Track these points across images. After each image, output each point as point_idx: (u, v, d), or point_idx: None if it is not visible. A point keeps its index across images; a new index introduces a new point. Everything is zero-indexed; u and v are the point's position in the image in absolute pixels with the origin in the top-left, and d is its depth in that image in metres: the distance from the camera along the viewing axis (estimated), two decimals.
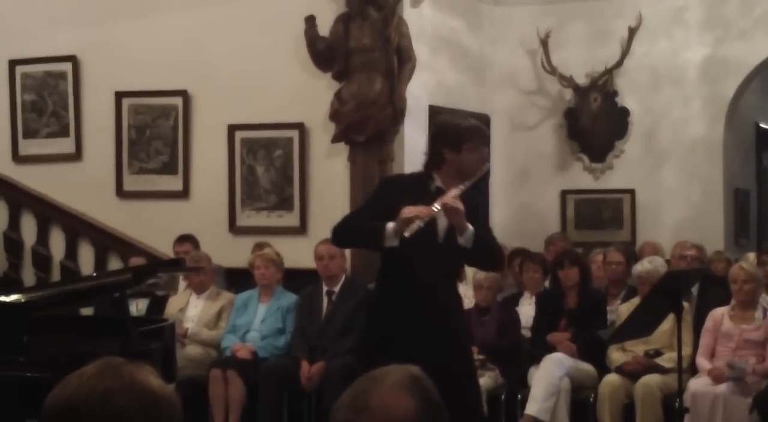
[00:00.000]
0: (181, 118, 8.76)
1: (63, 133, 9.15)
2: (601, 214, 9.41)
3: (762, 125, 10.93)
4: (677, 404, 6.27)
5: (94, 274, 8.39)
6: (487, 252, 4.78)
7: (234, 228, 8.58)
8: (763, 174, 11.04)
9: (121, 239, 8.79)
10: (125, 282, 5.63)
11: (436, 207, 4.46)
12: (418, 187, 4.71)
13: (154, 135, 8.86)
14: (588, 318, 7.10)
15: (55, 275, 9.01)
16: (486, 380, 6.84)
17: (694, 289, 7.42)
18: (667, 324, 6.44)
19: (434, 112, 8.71)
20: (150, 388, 1.78)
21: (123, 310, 5.55)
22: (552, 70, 9.19)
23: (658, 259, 7.36)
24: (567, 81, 9.21)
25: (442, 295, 4.72)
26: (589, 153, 9.43)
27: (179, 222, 8.47)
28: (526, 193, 9.43)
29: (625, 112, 9.34)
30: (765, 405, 6.15)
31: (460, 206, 4.49)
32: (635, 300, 6.92)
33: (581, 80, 9.24)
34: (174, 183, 8.80)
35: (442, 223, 4.60)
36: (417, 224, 4.38)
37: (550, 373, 6.80)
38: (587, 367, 6.98)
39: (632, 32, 9.06)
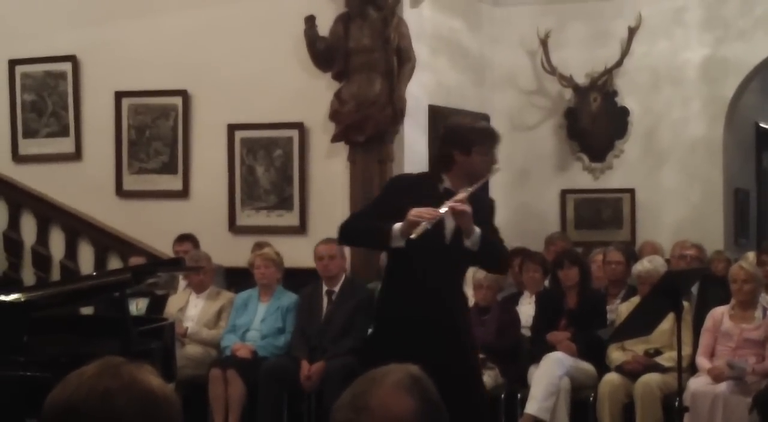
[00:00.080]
0: (180, 117, 8.76)
1: (63, 132, 9.15)
2: (601, 214, 9.41)
3: (762, 125, 10.93)
4: (677, 403, 6.27)
5: (94, 274, 8.38)
6: (493, 254, 4.78)
7: (234, 227, 8.58)
8: (762, 174, 11.04)
9: (121, 239, 8.79)
10: (125, 282, 5.64)
11: (444, 209, 4.45)
12: (427, 188, 4.70)
13: (153, 135, 8.86)
14: (588, 318, 7.10)
15: (55, 275, 9.01)
16: (486, 379, 6.81)
17: (694, 289, 7.43)
18: (667, 323, 6.45)
19: (434, 112, 8.71)
20: (150, 388, 1.78)
21: (123, 310, 5.56)
22: (552, 70, 9.19)
23: (658, 259, 7.36)
24: (567, 81, 9.21)
25: (448, 296, 4.72)
26: (588, 153, 9.42)
27: (179, 221, 8.47)
28: (525, 192, 9.42)
29: (624, 112, 9.34)
30: (765, 404, 6.15)
31: (468, 209, 4.47)
32: (635, 300, 6.92)
33: (581, 80, 9.24)
34: (174, 183, 8.80)
35: (450, 225, 4.59)
36: (424, 226, 4.37)
37: (550, 373, 6.81)
38: (587, 367, 6.99)
39: (632, 32, 9.05)
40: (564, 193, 9.49)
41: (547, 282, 7.66)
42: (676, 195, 9.17)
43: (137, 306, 7.77)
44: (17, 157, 9.27)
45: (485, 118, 8.95)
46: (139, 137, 8.90)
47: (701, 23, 9.12)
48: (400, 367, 1.93)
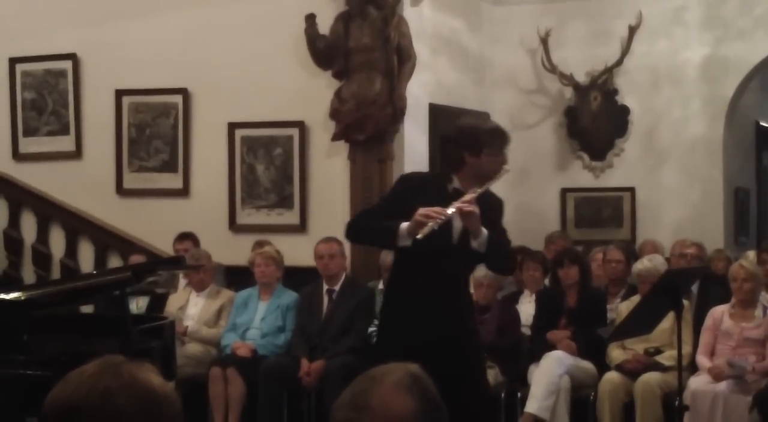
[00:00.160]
0: (181, 116, 8.76)
1: (63, 131, 9.15)
2: (601, 213, 9.41)
3: (762, 124, 10.93)
4: (677, 402, 6.28)
5: (94, 272, 8.39)
6: (500, 256, 4.78)
7: (234, 226, 8.58)
8: (762, 173, 11.04)
9: (121, 237, 8.79)
10: (125, 280, 5.64)
11: (452, 210, 4.44)
12: (436, 188, 4.69)
13: (154, 133, 8.86)
14: (588, 317, 7.10)
15: (55, 273, 9.01)
16: None
17: (694, 288, 7.43)
18: (667, 322, 6.45)
19: (434, 111, 8.71)
20: (150, 387, 1.78)
21: (123, 308, 5.56)
22: (552, 69, 9.19)
23: (658, 258, 7.36)
24: (567, 80, 9.21)
25: (454, 296, 4.72)
26: (589, 151, 9.42)
27: (179, 220, 8.47)
28: (526, 191, 9.42)
29: (625, 111, 9.34)
30: (765, 403, 6.15)
31: (476, 210, 4.47)
32: (635, 299, 6.92)
33: (581, 79, 9.24)
34: (174, 181, 8.80)
35: (458, 225, 4.59)
36: (430, 226, 4.37)
37: (550, 371, 6.81)
38: (587, 365, 6.99)
39: (632, 31, 9.05)
40: (564, 192, 9.49)
41: (547, 281, 7.66)
42: (676, 194, 9.17)
43: (137, 304, 7.76)
44: (17, 156, 9.27)
45: (485, 116, 8.96)
46: (139, 135, 8.90)
47: (701, 22, 9.12)
48: (400, 366, 1.93)
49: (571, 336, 7.03)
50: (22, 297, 5.64)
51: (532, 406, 6.74)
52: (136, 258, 7.95)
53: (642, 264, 7.14)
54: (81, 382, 1.75)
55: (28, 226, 9.19)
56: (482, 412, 4.80)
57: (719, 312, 6.77)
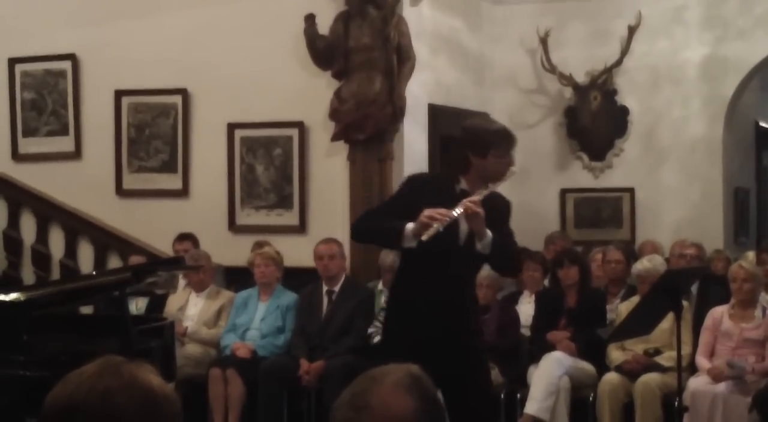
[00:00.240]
0: (180, 116, 8.76)
1: (62, 131, 9.15)
2: (601, 213, 9.41)
3: (762, 124, 10.93)
4: (677, 403, 6.28)
5: (94, 273, 8.39)
6: (504, 257, 4.78)
7: (234, 226, 8.57)
8: (762, 173, 11.05)
9: (121, 238, 8.79)
10: (125, 281, 5.64)
11: (457, 212, 4.44)
12: (443, 189, 4.69)
13: (153, 133, 8.86)
14: (587, 317, 7.10)
15: (55, 274, 9.00)
16: None
17: (694, 288, 7.43)
18: (667, 322, 6.45)
19: (434, 111, 8.72)
20: (150, 387, 1.78)
21: (123, 309, 5.56)
22: (552, 69, 9.19)
23: (658, 258, 7.36)
24: (567, 80, 9.21)
25: (458, 298, 4.72)
26: (588, 151, 9.43)
27: (179, 220, 8.47)
28: (525, 191, 9.40)
29: (624, 111, 9.34)
30: (764, 404, 6.15)
31: (481, 212, 4.46)
32: (635, 299, 6.92)
33: (581, 79, 9.24)
34: (173, 181, 8.80)
35: (464, 227, 4.59)
36: (435, 228, 4.37)
37: (550, 372, 6.81)
38: (587, 366, 6.98)
39: (632, 31, 9.05)
40: (564, 192, 9.49)
41: (546, 282, 7.66)
42: (675, 194, 9.18)
43: (137, 305, 7.77)
44: (17, 156, 9.27)
45: (485, 116, 8.95)
46: (138, 136, 8.90)
47: (701, 22, 9.12)
48: (400, 367, 1.93)
49: (571, 336, 7.03)
50: (22, 298, 5.64)
51: (531, 407, 6.74)
52: (136, 259, 7.95)
53: (641, 265, 7.14)
54: (81, 382, 1.75)
55: (28, 227, 9.19)
56: (486, 413, 4.81)
57: (719, 313, 6.77)
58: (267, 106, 8.39)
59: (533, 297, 7.60)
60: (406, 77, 7.99)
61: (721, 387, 6.39)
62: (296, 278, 7.73)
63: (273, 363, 7.21)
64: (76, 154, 9.09)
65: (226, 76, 8.50)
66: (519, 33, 9.38)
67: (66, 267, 8.94)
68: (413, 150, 8.39)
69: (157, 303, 7.82)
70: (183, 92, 8.72)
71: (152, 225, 8.68)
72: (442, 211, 4.41)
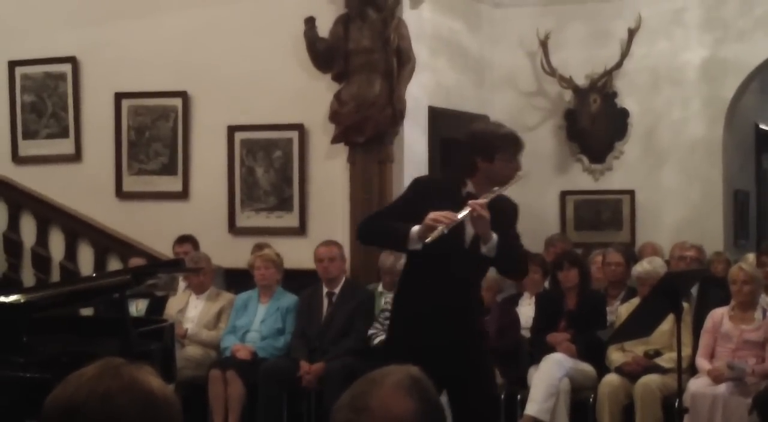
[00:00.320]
0: (180, 119, 8.76)
1: (63, 134, 9.15)
2: (601, 215, 9.42)
3: (761, 126, 10.94)
4: (677, 404, 6.27)
5: (94, 275, 8.38)
6: (510, 261, 4.77)
7: (234, 229, 8.58)
8: (762, 175, 11.05)
9: (121, 240, 8.79)
10: (125, 283, 5.64)
11: (462, 214, 4.44)
12: (449, 192, 4.68)
13: (153, 136, 8.86)
14: (587, 319, 7.10)
15: (55, 276, 9.00)
16: None
17: (694, 290, 7.43)
18: (667, 324, 6.44)
19: (434, 113, 8.72)
20: (150, 389, 1.78)
21: (123, 311, 5.56)
22: (551, 72, 9.19)
23: (658, 260, 7.36)
24: (566, 82, 9.21)
25: (463, 300, 4.71)
26: (588, 154, 9.43)
27: (179, 223, 8.47)
28: (525, 193, 9.35)
29: (624, 113, 9.35)
30: (764, 405, 6.15)
31: (486, 215, 4.46)
32: (635, 301, 6.92)
33: (581, 81, 9.24)
34: (173, 184, 8.80)
35: (470, 230, 4.58)
36: (440, 230, 4.36)
37: (550, 374, 6.81)
38: (587, 368, 6.99)
39: (632, 33, 9.06)
40: (564, 194, 9.49)
41: (546, 284, 7.67)
42: (675, 196, 9.18)
43: (137, 307, 7.78)
44: (17, 158, 9.27)
45: (485, 119, 8.96)
46: (138, 138, 8.90)
47: (701, 24, 9.12)
48: (400, 368, 1.93)
49: (571, 338, 7.03)
50: (22, 300, 5.64)
51: (531, 408, 6.74)
52: (136, 261, 7.95)
53: (641, 267, 7.14)
54: (81, 384, 1.75)
55: (28, 229, 9.19)
56: (489, 415, 4.81)
57: (719, 315, 6.77)
58: (267, 108, 8.39)
59: (533, 299, 7.60)
60: (406, 79, 7.99)
61: (722, 388, 6.40)
62: (296, 280, 7.73)
63: (273, 365, 7.21)
64: (76, 156, 9.10)
65: (226, 79, 8.51)
66: (519, 35, 9.38)
67: (66, 269, 8.94)
68: (413, 152, 8.39)
69: (157, 305, 7.82)
70: (183, 94, 8.72)
71: (152, 228, 8.68)
72: (447, 213, 4.40)
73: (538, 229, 9.05)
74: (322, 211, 8.28)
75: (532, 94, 9.55)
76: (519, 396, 6.98)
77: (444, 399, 4.56)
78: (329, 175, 8.28)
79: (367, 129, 7.92)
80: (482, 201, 4.49)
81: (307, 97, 8.24)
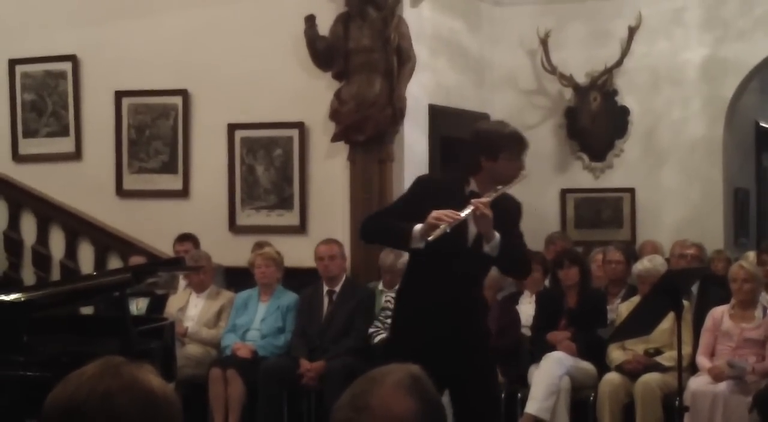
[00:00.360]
0: (180, 117, 8.76)
1: (63, 132, 9.15)
2: (601, 213, 9.41)
3: (762, 124, 10.93)
4: (677, 403, 6.28)
5: (94, 274, 8.39)
6: (512, 260, 4.78)
7: (234, 227, 8.57)
8: (762, 173, 11.05)
9: (121, 238, 8.79)
10: (125, 282, 5.64)
11: (464, 213, 4.44)
12: (452, 190, 4.69)
13: (153, 134, 8.86)
14: (588, 318, 7.10)
15: (55, 274, 9.00)
16: None
17: (694, 288, 7.43)
18: (667, 322, 6.45)
19: (434, 112, 8.71)
20: (150, 388, 1.78)
21: (123, 309, 5.56)
22: (552, 70, 9.19)
23: (658, 258, 7.36)
24: (567, 80, 9.21)
25: (465, 299, 4.71)
26: (588, 152, 9.42)
27: (179, 221, 8.47)
28: (525, 192, 9.33)
29: (624, 112, 9.34)
30: (765, 404, 6.15)
31: (489, 214, 4.46)
32: (635, 299, 6.93)
33: (581, 80, 9.24)
34: (174, 182, 8.80)
35: (473, 229, 4.58)
36: (442, 229, 4.36)
37: (550, 372, 6.81)
38: (587, 366, 6.99)
39: (632, 32, 9.05)
40: (564, 193, 9.49)
41: (547, 282, 7.67)
42: (676, 194, 9.18)
43: (137, 305, 7.78)
44: (17, 157, 9.27)
45: (485, 117, 8.96)
46: (139, 137, 8.90)
47: (701, 23, 9.12)
48: (401, 367, 1.93)
49: (571, 336, 7.03)
50: (22, 299, 5.64)
51: (532, 407, 6.74)
52: (136, 260, 7.95)
53: (642, 265, 7.14)
54: (81, 383, 1.75)
55: (28, 228, 9.19)
56: (491, 414, 4.81)
57: (719, 313, 6.77)
58: (267, 106, 8.39)
59: (533, 297, 7.60)
60: (406, 78, 7.99)
61: (722, 386, 6.40)
62: (296, 278, 7.73)
63: (273, 363, 7.21)
64: (77, 154, 9.09)
65: (226, 77, 8.50)
66: (519, 34, 9.38)
67: (66, 267, 8.94)
68: (413, 151, 8.39)
69: (158, 304, 7.82)
70: (183, 93, 8.72)
71: (152, 226, 8.68)
72: (450, 212, 4.41)
73: (539, 228, 9.03)
74: (323, 210, 8.28)
75: (532, 93, 9.55)
76: (519, 395, 6.98)
77: (445, 398, 4.57)
78: (329, 173, 8.28)
79: (367, 128, 7.92)
80: (485, 200, 4.49)
81: (308, 96, 8.24)
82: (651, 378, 6.69)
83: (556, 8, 9.34)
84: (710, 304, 7.03)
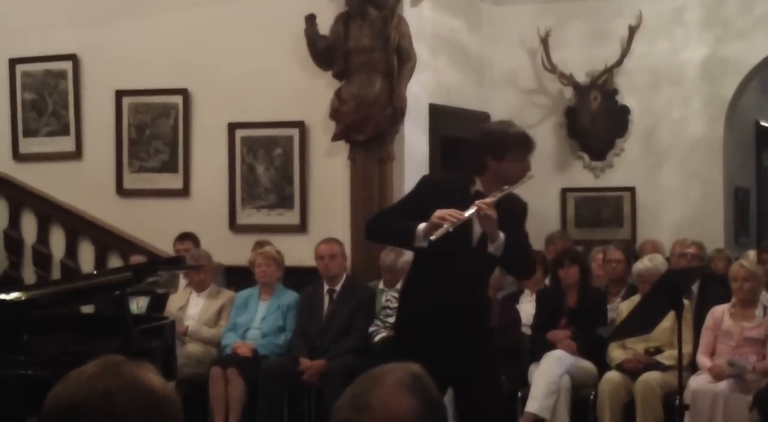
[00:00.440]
0: (181, 116, 8.76)
1: (63, 131, 9.15)
2: (601, 213, 9.41)
3: (762, 124, 10.94)
4: (677, 402, 6.28)
5: (95, 273, 8.39)
6: (516, 260, 4.78)
7: (234, 226, 8.58)
8: (762, 172, 11.05)
9: (122, 237, 8.79)
10: (125, 281, 5.65)
11: (468, 213, 4.44)
12: (458, 190, 4.69)
13: (154, 134, 8.86)
14: (588, 316, 7.10)
15: (56, 273, 9.00)
16: None
17: (695, 287, 7.44)
18: (668, 321, 6.45)
19: (434, 111, 8.71)
20: (150, 387, 1.78)
21: (123, 308, 5.56)
22: (552, 69, 9.19)
23: (659, 257, 7.36)
24: (567, 80, 9.21)
25: (469, 298, 4.71)
26: (589, 151, 9.42)
27: (179, 220, 8.47)
28: (526, 191, 9.30)
29: (625, 111, 9.34)
30: (765, 403, 6.15)
31: (493, 214, 4.46)
32: (635, 298, 6.93)
33: (581, 79, 9.24)
34: (174, 181, 8.80)
35: (478, 228, 4.59)
36: (445, 228, 4.36)
37: (551, 371, 6.81)
38: (587, 365, 6.99)
39: (632, 31, 9.05)
40: (564, 192, 9.49)
41: (547, 281, 7.66)
42: (676, 193, 9.18)
43: (138, 304, 7.77)
44: (18, 156, 9.27)
45: (486, 117, 8.97)
46: (139, 136, 8.90)
47: (701, 22, 9.12)
48: (401, 366, 1.93)
49: (572, 335, 7.03)
50: (23, 298, 5.64)
51: (532, 406, 6.74)
52: (137, 259, 7.96)
53: (642, 264, 7.14)
54: (81, 382, 1.75)
55: (29, 227, 9.19)
56: (494, 415, 4.81)
57: (719, 312, 6.77)
58: (267, 106, 8.39)
59: (534, 296, 7.60)
60: (407, 78, 7.99)
61: (722, 385, 6.40)
62: (297, 278, 7.73)
63: (274, 363, 7.21)
64: (77, 154, 9.10)
65: (226, 76, 8.51)
66: (519, 33, 9.37)
67: (66, 267, 8.94)
68: (414, 150, 8.39)
69: (158, 303, 7.82)
70: (183, 92, 8.72)
71: (153, 225, 8.68)
72: (453, 211, 4.41)
73: (539, 227, 8.99)
74: (323, 209, 8.28)
75: (532, 92, 9.55)
76: (519, 394, 6.98)
77: (448, 397, 4.57)
78: (330, 172, 8.29)
79: (367, 127, 7.92)
80: (489, 200, 4.49)
81: (308, 95, 8.24)
82: (651, 377, 6.69)
83: (557, 7, 9.34)
84: (710, 303, 7.03)
